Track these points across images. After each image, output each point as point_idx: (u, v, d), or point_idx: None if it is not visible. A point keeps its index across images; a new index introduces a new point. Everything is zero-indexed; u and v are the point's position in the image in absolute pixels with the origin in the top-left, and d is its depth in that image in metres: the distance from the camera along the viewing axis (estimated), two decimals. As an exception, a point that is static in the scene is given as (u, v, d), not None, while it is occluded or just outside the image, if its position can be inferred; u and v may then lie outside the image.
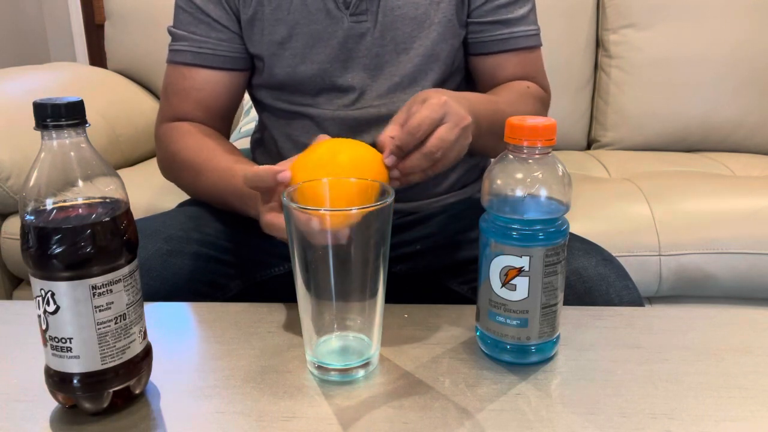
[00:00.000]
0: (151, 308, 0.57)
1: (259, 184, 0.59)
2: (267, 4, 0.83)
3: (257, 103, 0.93)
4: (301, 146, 0.78)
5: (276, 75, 0.86)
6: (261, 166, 0.59)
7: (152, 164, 0.93)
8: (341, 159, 0.58)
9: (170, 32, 0.87)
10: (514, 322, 0.54)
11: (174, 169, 0.86)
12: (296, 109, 0.87)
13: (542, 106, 0.88)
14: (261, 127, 0.96)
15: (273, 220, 0.59)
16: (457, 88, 0.89)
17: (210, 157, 0.80)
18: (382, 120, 0.84)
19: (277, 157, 0.90)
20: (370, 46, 0.83)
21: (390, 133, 0.61)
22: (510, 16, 0.86)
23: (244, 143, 1.17)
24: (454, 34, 0.85)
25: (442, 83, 0.86)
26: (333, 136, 0.65)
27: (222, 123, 0.90)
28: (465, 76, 0.91)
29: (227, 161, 0.78)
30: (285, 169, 0.57)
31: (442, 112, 0.61)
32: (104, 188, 0.47)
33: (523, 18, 0.87)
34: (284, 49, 0.84)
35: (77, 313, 0.45)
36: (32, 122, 0.45)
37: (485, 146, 0.74)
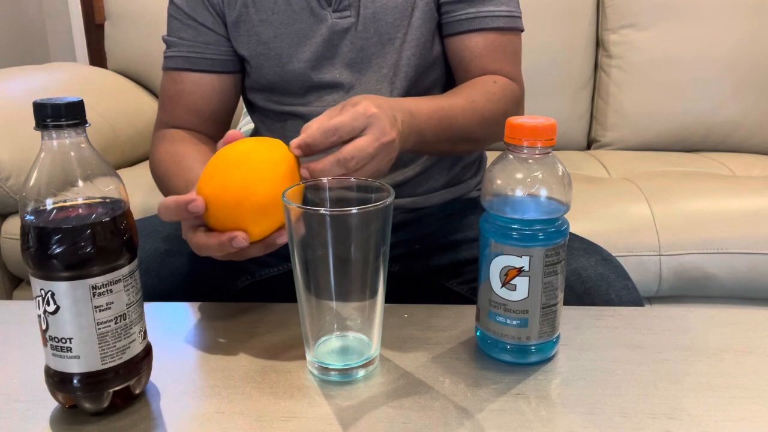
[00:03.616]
0: (151, 308, 0.57)
1: (173, 217, 0.56)
2: (251, 6, 0.83)
3: (250, 106, 0.93)
4: None
5: (264, 76, 0.86)
6: (170, 198, 0.56)
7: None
8: (244, 168, 0.56)
9: (164, 40, 0.88)
10: (514, 322, 0.54)
11: (154, 175, 0.86)
12: (287, 110, 0.87)
13: (510, 102, 0.81)
14: (256, 129, 0.96)
15: (201, 241, 0.56)
16: (440, 77, 0.88)
17: (176, 163, 0.80)
18: None
19: None
20: (354, 40, 0.83)
21: (314, 124, 0.58)
22: None
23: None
24: (432, 18, 0.84)
25: (425, 71, 0.85)
26: None
27: (215, 127, 0.90)
28: (446, 64, 0.90)
29: (190, 172, 0.76)
30: (195, 199, 0.54)
31: (364, 122, 0.58)
32: (104, 188, 0.47)
33: None
34: (270, 50, 0.84)
35: (77, 313, 0.45)
36: (32, 122, 0.45)
37: (436, 151, 0.74)
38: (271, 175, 0.56)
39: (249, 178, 0.55)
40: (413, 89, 0.85)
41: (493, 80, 0.82)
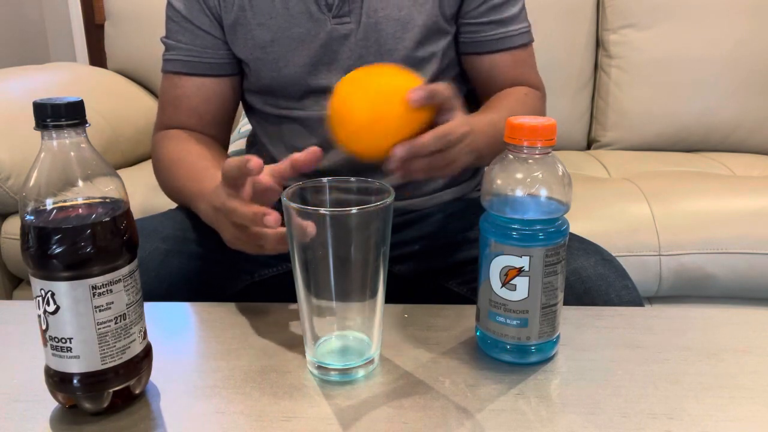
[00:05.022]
0: (151, 308, 0.57)
1: (233, 172, 0.58)
2: (248, 9, 0.83)
3: (248, 108, 0.93)
4: (291, 149, 0.78)
5: (262, 79, 0.86)
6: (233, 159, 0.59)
7: (151, 165, 0.94)
8: (379, 81, 0.61)
9: (162, 42, 0.88)
10: (514, 322, 0.54)
11: (157, 174, 0.86)
12: (284, 113, 0.87)
13: (540, 110, 0.90)
14: (254, 131, 0.96)
15: (237, 206, 0.59)
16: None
17: (182, 159, 0.80)
18: None
19: (269, 160, 0.90)
20: (353, 47, 0.82)
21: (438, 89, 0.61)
22: (504, 16, 0.86)
23: (243, 144, 1.17)
24: (441, 35, 0.85)
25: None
26: (322, 137, 0.65)
27: (217, 129, 0.90)
28: (458, 76, 0.91)
29: (200, 164, 0.78)
30: (254, 158, 0.56)
31: (453, 104, 0.62)
32: (104, 188, 0.47)
33: (516, 16, 0.87)
34: (267, 53, 0.84)
35: (77, 313, 0.45)
36: (32, 122, 0.45)
37: (483, 163, 0.77)
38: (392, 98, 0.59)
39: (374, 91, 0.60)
40: None
41: (524, 92, 0.87)
